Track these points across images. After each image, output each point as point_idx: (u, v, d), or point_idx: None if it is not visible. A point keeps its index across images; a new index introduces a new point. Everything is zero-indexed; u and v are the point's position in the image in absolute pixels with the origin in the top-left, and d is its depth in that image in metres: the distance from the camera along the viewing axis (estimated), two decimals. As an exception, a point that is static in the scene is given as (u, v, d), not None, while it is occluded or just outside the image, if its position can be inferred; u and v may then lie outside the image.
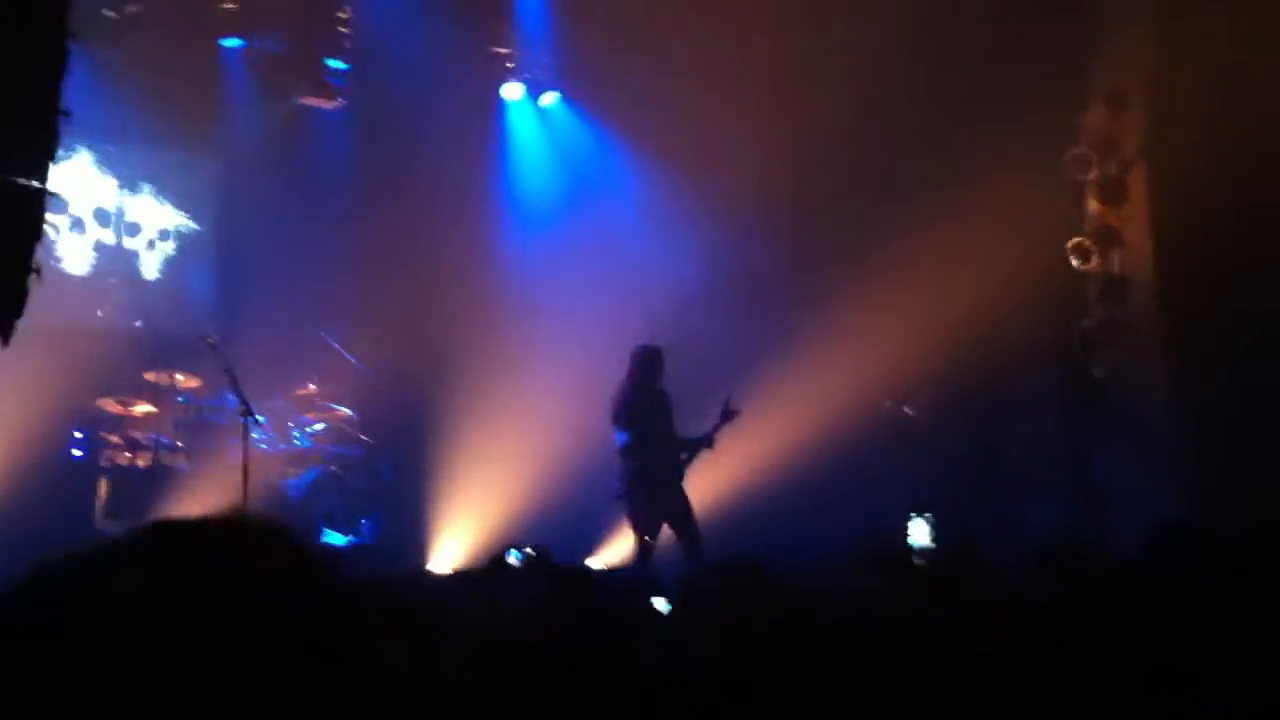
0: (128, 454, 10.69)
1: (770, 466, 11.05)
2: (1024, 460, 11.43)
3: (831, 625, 3.20)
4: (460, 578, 7.49)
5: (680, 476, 9.84)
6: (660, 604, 4.48)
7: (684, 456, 9.86)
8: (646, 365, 9.94)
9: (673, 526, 9.72)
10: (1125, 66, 10.97)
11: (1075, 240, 11.01)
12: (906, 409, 11.50)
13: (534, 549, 5.18)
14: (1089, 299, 11.13)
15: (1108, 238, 11.04)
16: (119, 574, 1.31)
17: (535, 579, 5.12)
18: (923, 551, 8.63)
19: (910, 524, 9.38)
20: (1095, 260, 10.99)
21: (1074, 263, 11.03)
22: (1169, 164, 10.63)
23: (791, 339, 11.54)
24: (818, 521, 9.89)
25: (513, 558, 5.39)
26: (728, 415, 9.82)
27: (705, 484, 10.23)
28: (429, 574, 9.68)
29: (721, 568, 4.18)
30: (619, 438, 9.76)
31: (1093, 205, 11.10)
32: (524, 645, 2.64)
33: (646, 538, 9.65)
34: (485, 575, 5.83)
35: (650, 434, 9.72)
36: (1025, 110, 10.71)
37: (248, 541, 1.39)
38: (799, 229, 12.15)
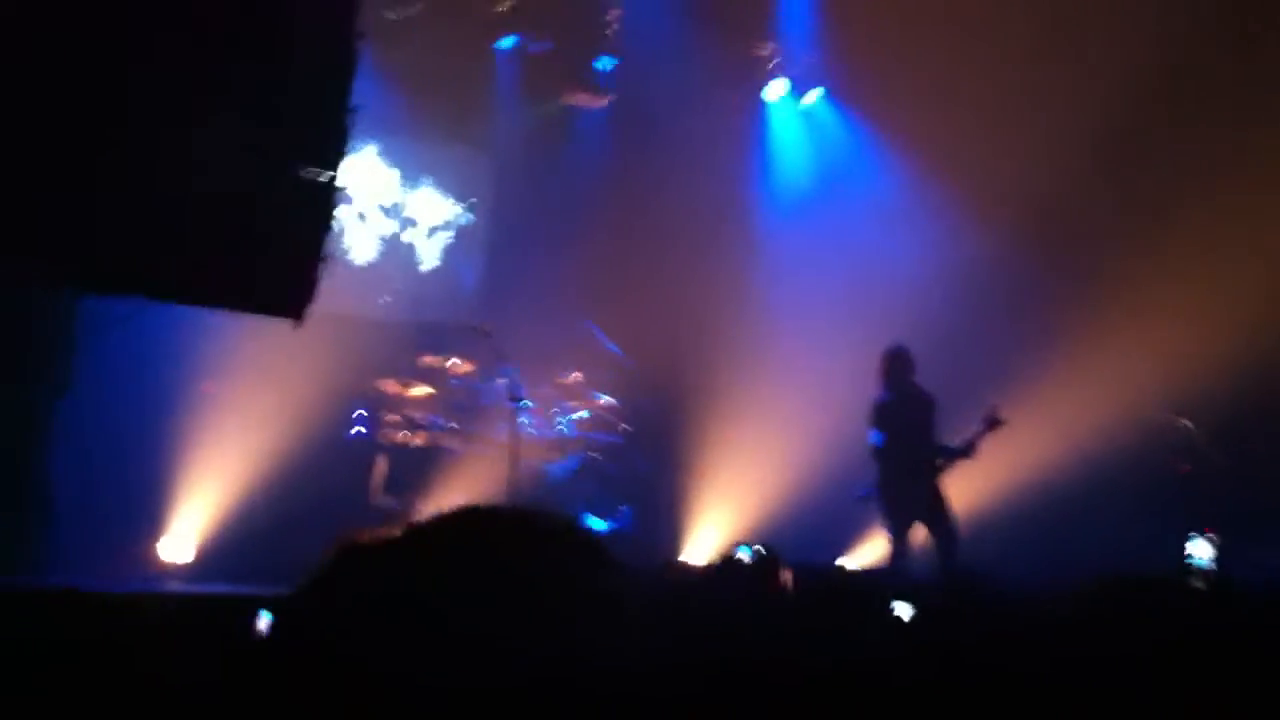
0: (406, 433, 11.18)
1: (1034, 476, 10.75)
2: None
3: (1066, 646, 3.13)
4: (696, 573, 7.62)
5: (934, 479, 9.65)
6: (903, 609, 4.47)
7: (940, 461, 9.67)
8: (895, 365, 9.86)
9: (929, 530, 9.56)
10: None
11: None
12: (1183, 422, 10.94)
13: (764, 547, 5.21)
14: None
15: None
16: (436, 553, 1.44)
17: (761, 577, 5.18)
18: (1203, 573, 8.15)
19: (1191, 543, 8.85)
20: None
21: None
22: None
23: (1058, 346, 11.22)
24: (1077, 537, 9.61)
25: (743, 554, 5.45)
26: (991, 424, 9.53)
27: (969, 490, 10.03)
28: (678, 565, 9.82)
29: (966, 579, 4.14)
30: (871, 438, 9.71)
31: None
32: (738, 642, 2.69)
33: (896, 540, 9.54)
34: (717, 572, 5.92)
35: (903, 435, 9.62)
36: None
37: (549, 528, 1.51)
38: (1060, 230, 11.83)
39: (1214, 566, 8.11)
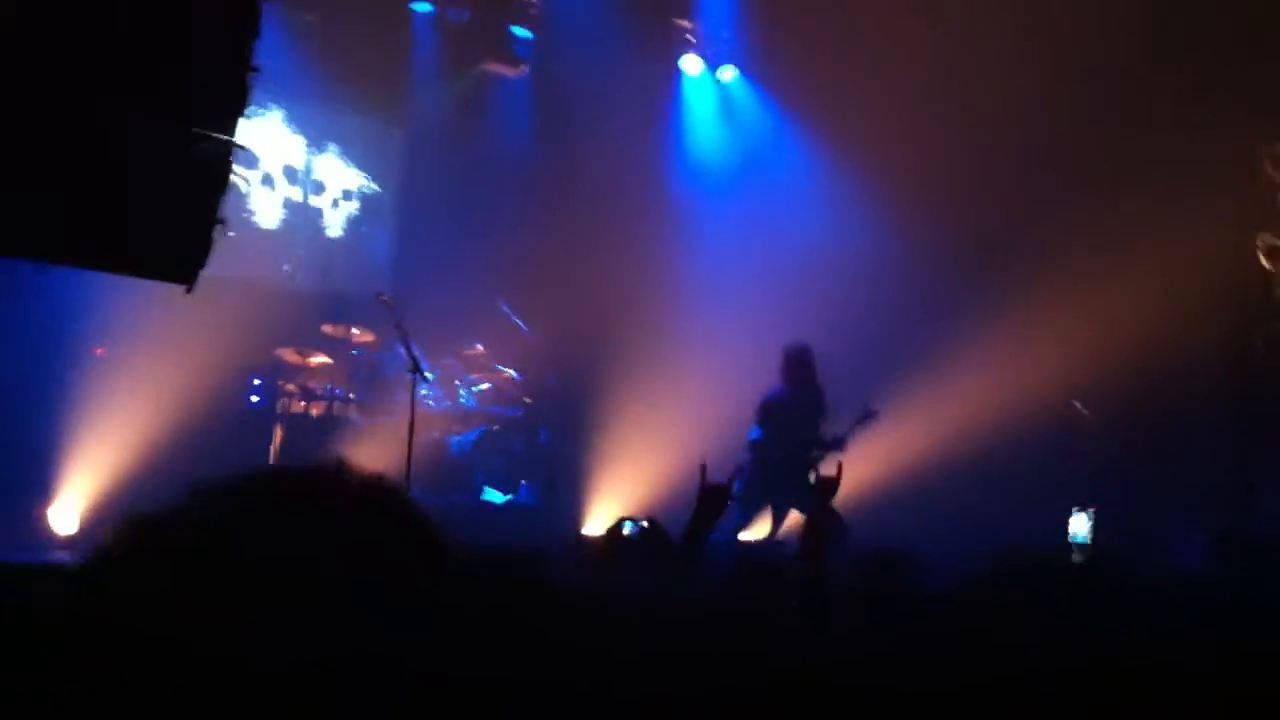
0: (303, 403, 11.04)
1: (933, 458, 10.89)
2: (1184, 471, 11.00)
3: (967, 624, 3.15)
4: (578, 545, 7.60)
5: (805, 472, 9.72)
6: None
7: (814, 454, 9.82)
8: (794, 363, 10.03)
9: (806, 518, 9.69)
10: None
11: (1269, 240, 10.59)
12: (1078, 407, 11.16)
13: (648, 521, 5.21)
14: (1274, 300, 10.70)
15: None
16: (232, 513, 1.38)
17: (647, 550, 5.18)
18: (1081, 547, 8.36)
19: (1072, 518, 9.09)
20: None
21: (1265, 263, 10.60)
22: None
23: (965, 331, 11.34)
24: (975, 516, 9.74)
25: (627, 529, 5.45)
26: (865, 417, 9.77)
27: (865, 474, 10.14)
28: (570, 539, 9.84)
29: (872, 559, 4.17)
30: (751, 432, 9.90)
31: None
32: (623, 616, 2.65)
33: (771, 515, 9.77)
34: (602, 545, 5.91)
35: (783, 432, 9.78)
36: (1210, 108, 10.37)
37: (349, 493, 1.44)
38: (971, 221, 11.92)
39: (1090, 539, 8.39)
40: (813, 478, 9.67)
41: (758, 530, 10.04)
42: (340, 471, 1.47)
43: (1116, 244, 10.48)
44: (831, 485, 9.33)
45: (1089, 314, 10.71)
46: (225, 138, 7.10)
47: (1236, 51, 10.65)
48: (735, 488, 9.54)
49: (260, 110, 11.66)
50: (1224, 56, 10.67)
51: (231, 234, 7.31)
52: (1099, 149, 11.20)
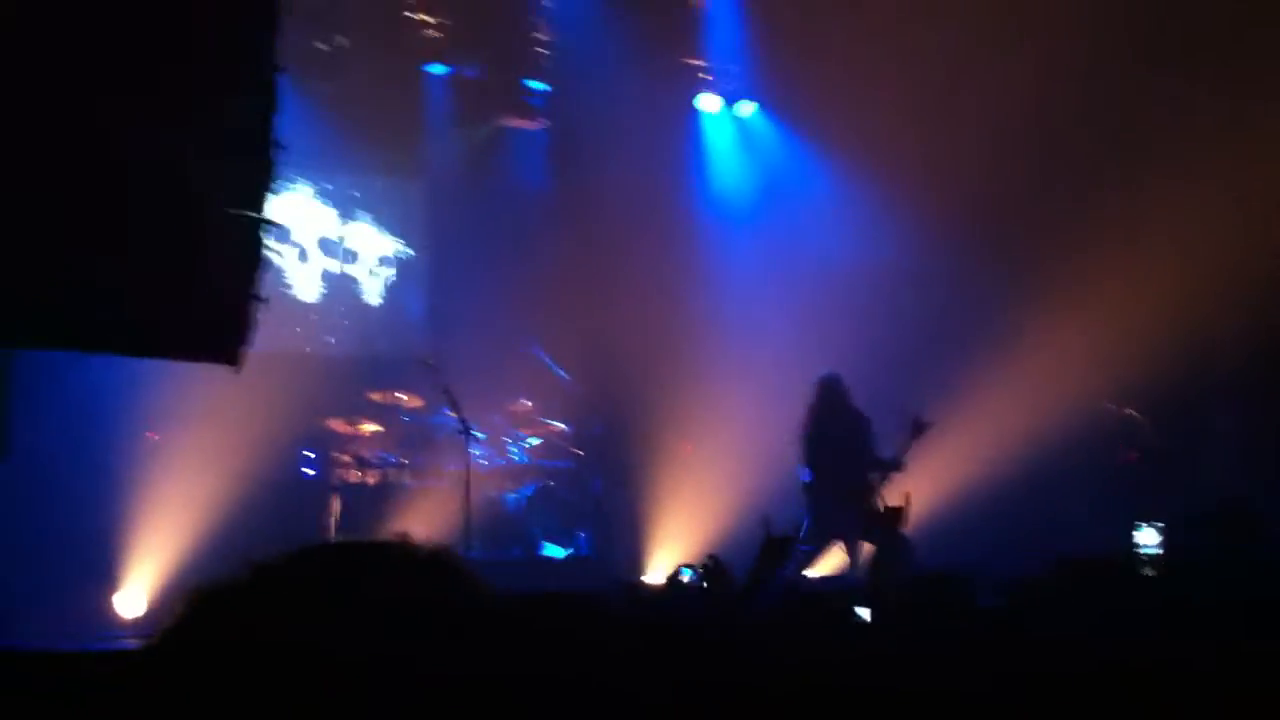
0: (357, 472, 11.09)
1: (985, 471, 10.78)
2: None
3: (1037, 639, 3.11)
4: (639, 593, 7.57)
5: (870, 499, 9.66)
6: (864, 613, 4.45)
7: (873, 479, 9.70)
8: (825, 394, 9.99)
9: (875, 546, 9.56)
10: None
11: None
12: (1130, 412, 11.01)
13: (711, 558, 5.18)
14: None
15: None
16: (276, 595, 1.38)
17: (708, 594, 5.16)
18: (1153, 559, 8.17)
19: (1138, 531, 8.86)
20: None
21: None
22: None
23: (1003, 343, 11.26)
24: (1035, 528, 9.63)
25: (686, 576, 5.44)
26: (917, 430, 9.55)
27: (921, 492, 10.06)
28: (633, 585, 9.77)
29: (925, 580, 4.13)
30: (802, 475, 9.85)
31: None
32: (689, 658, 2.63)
33: (844, 549, 9.67)
34: (662, 592, 5.89)
35: (831, 465, 9.71)
36: (1234, 97, 10.33)
37: (406, 567, 1.45)
38: (993, 229, 11.89)
39: (1161, 552, 8.14)
40: (880, 504, 9.56)
41: (825, 566, 9.95)
42: (404, 545, 1.48)
43: (1139, 236, 10.39)
44: (900, 514, 9.28)
45: (1121, 311, 10.60)
46: (257, 215, 7.19)
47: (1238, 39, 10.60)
48: (801, 532, 9.53)
49: (288, 185, 11.77)
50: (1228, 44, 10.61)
51: (273, 309, 7.37)
52: (1109, 145, 11.13)
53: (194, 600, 1.41)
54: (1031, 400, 10.73)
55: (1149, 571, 5.70)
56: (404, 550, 1.44)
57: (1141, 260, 10.49)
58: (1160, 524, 8.44)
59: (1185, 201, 10.13)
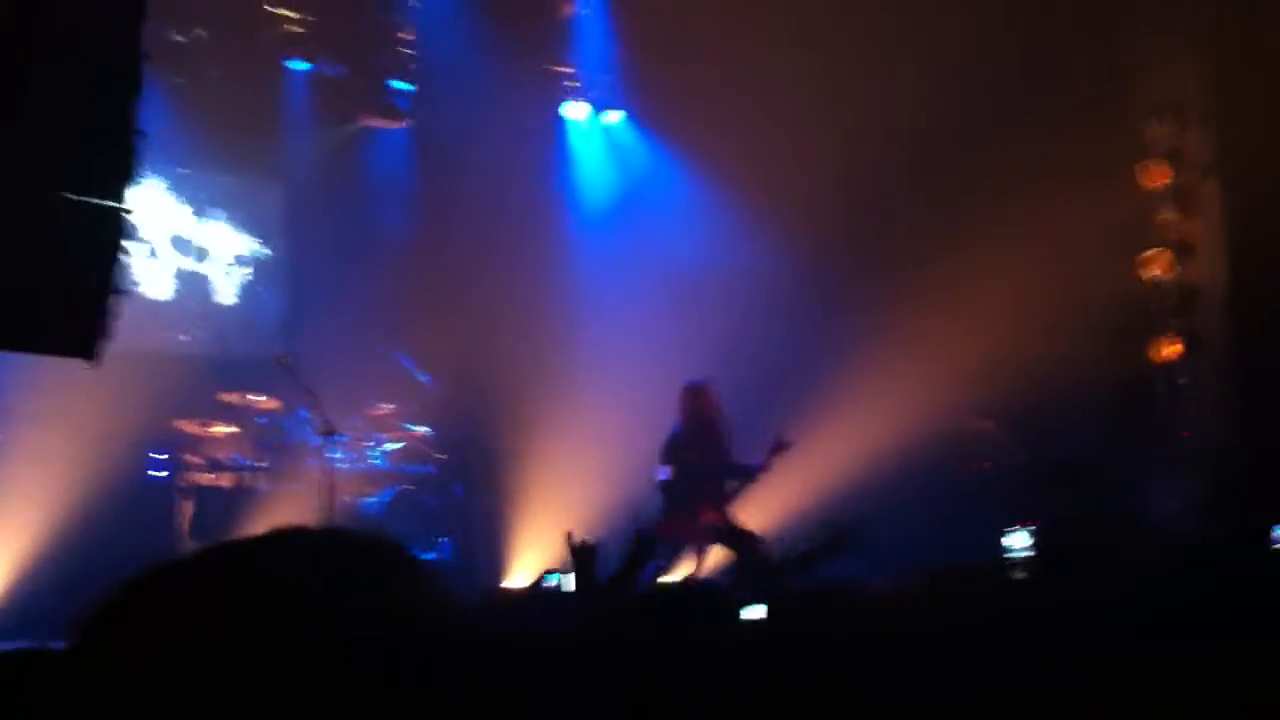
0: (210, 474, 10.78)
1: (850, 481, 10.91)
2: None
3: (917, 641, 3.13)
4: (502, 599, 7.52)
5: (723, 507, 9.88)
6: (756, 611, 4.45)
7: (729, 487, 9.95)
8: (690, 400, 10.13)
9: (732, 551, 9.77)
10: (1189, 77, 10.87)
11: (1150, 252, 10.90)
12: (987, 422, 11.29)
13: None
14: (1156, 311, 10.98)
15: (1181, 249, 10.91)
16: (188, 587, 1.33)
17: (574, 598, 5.11)
18: (1022, 561, 8.36)
19: (1007, 536, 9.05)
20: (1167, 272, 10.86)
21: (1148, 273, 10.91)
22: (1240, 174, 10.47)
23: (866, 352, 11.44)
24: (902, 537, 9.80)
25: (551, 581, 5.39)
26: (779, 447, 9.82)
27: (787, 497, 10.18)
28: (498, 592, 9.74)
29: (807, 584, 4.15)
30: (659, 473, 9.99)
31: (1166, 216, 10.96)
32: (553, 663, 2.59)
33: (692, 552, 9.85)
34: (525, 598, 5.84)
35: (690, 469, 9.86)
36: (1085, 121, 10.67)
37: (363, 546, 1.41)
38: (862, 245, 12.08)
39: (1032, 555, 8.35)
40: (733, 516, 9.78)
41: (683, 571, 10.04)
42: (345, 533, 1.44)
43: (1013, 250, 10.64)
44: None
45: (976, 324, 10.85)
46: (116, 205, 6.92)
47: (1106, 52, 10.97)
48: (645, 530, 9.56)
49: (139, 180, 11.37)
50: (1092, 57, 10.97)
51: (122, 307, 7.09)
52: (991, 153, 11.38)
53: (123, 589, 1.35)
54: (895, 412, 10.93)
55: (1020, 574, 5.83)
56: (346, 537, 1.41)
57: (1012, 276, 10.74)
58: (1031, 526, 8.65)
59: (1047, 215, 10.40)
